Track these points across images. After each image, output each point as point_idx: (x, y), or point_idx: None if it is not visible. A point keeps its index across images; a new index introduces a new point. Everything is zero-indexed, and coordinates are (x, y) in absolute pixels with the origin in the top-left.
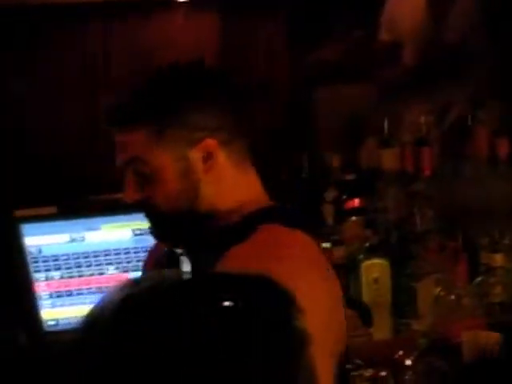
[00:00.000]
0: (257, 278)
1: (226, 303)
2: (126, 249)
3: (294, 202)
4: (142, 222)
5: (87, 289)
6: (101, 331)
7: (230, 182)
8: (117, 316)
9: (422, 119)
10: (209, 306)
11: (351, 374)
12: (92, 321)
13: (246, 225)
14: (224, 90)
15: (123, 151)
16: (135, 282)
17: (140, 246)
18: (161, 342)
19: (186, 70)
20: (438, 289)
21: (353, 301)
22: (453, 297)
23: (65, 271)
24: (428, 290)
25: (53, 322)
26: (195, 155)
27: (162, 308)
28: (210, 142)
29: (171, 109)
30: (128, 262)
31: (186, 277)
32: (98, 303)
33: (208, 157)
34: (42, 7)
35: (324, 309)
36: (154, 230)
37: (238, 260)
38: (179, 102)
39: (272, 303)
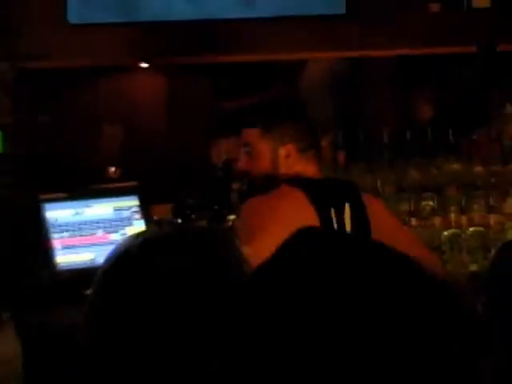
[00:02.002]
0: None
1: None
2: (109, 219)
3: None
4: (120, 203)
5: (84, 244)
6: (129, 265)
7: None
8: (143, 252)
9: None
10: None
11: None
12: (118, 257)
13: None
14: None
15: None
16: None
17: (118, 217)
18: (178, 276)
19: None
20: None
21: None
22: None
23: (71, 233)
24: None
25: (64, 264)
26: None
27: (181, 245)
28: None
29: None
30: (111, 227)
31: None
32: (119, 246)
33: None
34: None
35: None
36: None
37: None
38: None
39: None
